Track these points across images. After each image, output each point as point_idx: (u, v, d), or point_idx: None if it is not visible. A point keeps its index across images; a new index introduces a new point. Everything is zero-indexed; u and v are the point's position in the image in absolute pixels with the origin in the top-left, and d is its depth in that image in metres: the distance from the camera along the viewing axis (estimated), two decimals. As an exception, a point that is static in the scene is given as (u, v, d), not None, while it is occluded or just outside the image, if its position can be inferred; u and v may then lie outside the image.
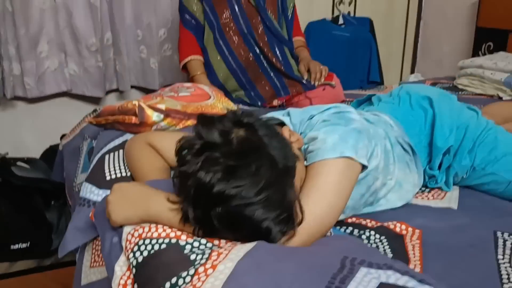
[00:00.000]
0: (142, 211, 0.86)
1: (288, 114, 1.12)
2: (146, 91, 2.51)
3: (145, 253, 0.80)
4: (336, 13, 2.92)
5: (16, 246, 2.01)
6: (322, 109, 1.05)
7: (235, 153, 0.77)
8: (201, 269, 0.71)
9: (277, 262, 0.71)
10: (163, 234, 0.83)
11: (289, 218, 0.78)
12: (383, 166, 1.07)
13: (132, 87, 2.46)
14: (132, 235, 0.85)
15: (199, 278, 0.70)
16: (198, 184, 0.76)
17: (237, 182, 0.74)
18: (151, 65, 2.40)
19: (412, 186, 1.18)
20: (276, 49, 2.03)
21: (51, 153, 2.23)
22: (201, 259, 0.74)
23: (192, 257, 0.75)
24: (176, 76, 2.50)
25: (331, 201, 0.88)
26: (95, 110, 1.83)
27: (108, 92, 2.40)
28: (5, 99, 2.16)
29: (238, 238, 0.80)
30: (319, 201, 0.87)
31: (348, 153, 0.91)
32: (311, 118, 1.05)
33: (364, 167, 0.97)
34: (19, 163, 2.12)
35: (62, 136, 2.21)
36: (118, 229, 0.90)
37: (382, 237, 0.99)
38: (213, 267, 0.71)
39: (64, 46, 2.21)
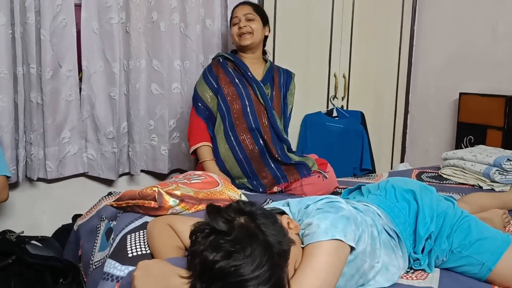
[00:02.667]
0: (164, 287, 1.01)
1: (288, 205, 1.30)
2: (155, 175, 2.69)
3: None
4: (330, 106, 3.14)
5: (23, 323, 2.06)
6: (316, 199, 1.24)
7: (234, 238, 0.94)
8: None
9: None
10: (182, 305, 0.97)
11: None
12: (370, 250, 1.22)
13: (142, 171, 2.64)
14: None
15: None
16: (203, 261, 0.93)
17: (233, 262, 0.91)
18: (161, 151, 2.60)
19: (397, 269, 1.32)
20: (277, 145, 2.20)
21: (63, 232, 2.36)
22: None
23: None
24: (183, 161, 2.69)
25: (324, 277, 1.04)
26: (110, 193, 1.99)
27: (120, 175, 2.59)
28: (25, 180, 2.34)
29: None
30: (314, 277, 1.03)
31: (338, 236, 1.08)
32: (307, 207, 1.22)
33: (352, 249, 1.13)
34: (33, 241, 2.22)
35: (74, 216, 2.36)
36: (142, 301, 1.04)
37: (371, 312, 1.13)
38: None
39: (85, 133, 2.43)
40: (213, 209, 1.01)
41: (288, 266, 1.00)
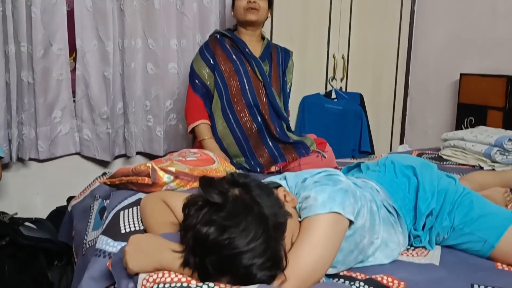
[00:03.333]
0: (156, 261, 0.97)
1: (285, 178, 1.26)
2: (151, 157, 2.65)
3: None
4: (329, 88, 3.10)
5: (17, 305, 2.04)
6: (314, 173, 1.20)
7: (228, 210, 0.91)
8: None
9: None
10: (175, 279, 0.94)
11: (273, 266, 0.90)
12: (369, 226, 1.19)
13: (137, 153, 2.61)
14: (147, 281, 0.95)
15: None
16: (196, 235, 0.90)
17: (228, 235, 0.87)
18: (157, 133, 2.56)
19: (397, 245, 1.29)
20: (275, 122, 2.16)
21: (57, 214, 2.33)
22: None
23: None
24: (180, 143, 2.65)
25: (321, 251, 1.00)
26: (104, 173, 1.96)
27: (116, 157, 2.55)
28: (18, 161, 2.30)
29: (229, 282, 0.91)
30: (310, 251, 0.99)
31: (336, 209, 1.04)
32: (304, 181, 1.18)
33: (351, 223, 1.10)
34: (26, 223, 2.19)
35: (69, 198, 2.32)
36: (133, 276, 1.00)
37: (371, 288, 1.10)
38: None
39: (81, 113, 2.38)
40: (206, 181, 0.98)
41: (285, 239, 0.97)
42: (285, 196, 1.08)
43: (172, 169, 1.43)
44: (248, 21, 2.18)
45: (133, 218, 1.30)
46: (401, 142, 3.48)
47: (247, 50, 2.19)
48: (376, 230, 1.23)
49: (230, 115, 2.12)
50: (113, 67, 2.37)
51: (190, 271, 0.93)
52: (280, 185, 1.21)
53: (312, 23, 2.99)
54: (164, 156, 2.63)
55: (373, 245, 1.23)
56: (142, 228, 1.27)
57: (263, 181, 1.14)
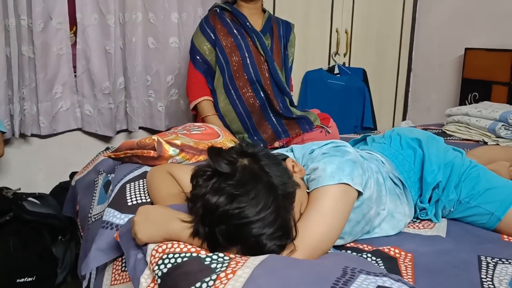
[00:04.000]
0: (164, 231, 0.97)
1: (292, 150, 1.26)
2: (153, 132, 2.64)
3: (169, 265, 0.91)
4: (332, 63, 3.07)
5: (22, 280, 2.04)
6: (321, 144, 1.19)
7: (238, 179, 0.90)
8: (222, 275, 0.82)
9: (287, 269, 0.82)
10: (185, 249, 0.94)
11: (282, 235, 0.90)
12: (376, 197, 1.19)
13: (139, 128, 2.59)
14: (157, 251, 0.95)
15: (221, 282, 0.80)
16: (206, 205, 0.89)
17: (237, 204, 0.87)
18: (158, 108, 2.54)
19: (403, 216, 1.29)
20: (278, 97, 2.14)
21: (60, 190, 2.33)
22: (221, 267, 0.85)
23: (213, 265, 0.86)
24: (181, 119, 2.64)
25: (330, 221, 1.00)
26: (107, 148, 1.95)
27: (117, 132, 2.53)
28: (20, 137, 2.28)
29: (239, 252, 0.91)
30: (319, 221, 0.99)
31: (345, 180, 1.04)
32: (312, 152, 1.18)
33: (359, 194, 1.09)
34: (30, 198, 2.19)
35: (71, 174, 2.32)
36: (142, 247, 1.00)
37: (378, 259, 1.10)
38: (233, 272, 0.82)
39: (81, 88, 2.36)
40: (214, 151, 0.97)
41: (294, 209, 0.96)
42: (293, 166, 1.07)
43: (178, 142, 1.42)
44: None
45: (139, 191, 1.30)
46: (404, 118, 3.47)
47: (247, 24, 2.15)
48: (383, 201, 1.23)
49: (232, 91, 2.10)
50: (115, 41, 2.34)
51: (199, 241, 0.93)
52: (287, 157, 1.20)
53: (315, -3, 2.95)
54: (167, 130, 2.64)
55: (380, 215, 1.23)
56: (148, 200, 1.26)
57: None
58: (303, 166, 1.16)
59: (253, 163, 0.94)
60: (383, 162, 1.35)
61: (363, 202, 1.14)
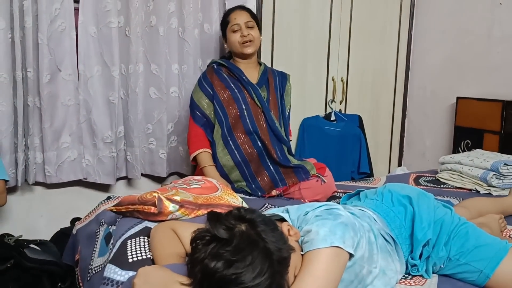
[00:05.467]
0: None
1: (287, 211, 1.31)
2: (153, 178, 2.69)
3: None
4: (328, 110, 3.16)
5: (21, 328, 2.05)
6: (315, 206, 1.25)
7: (235, 246, 0.95)
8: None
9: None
10: (184, 312, 0.98)
11: None
12: (367, 256, 1.23)
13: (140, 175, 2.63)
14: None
15: None
16: (204, 269, 0.94)
17: (234, 270, 0.92)
18: (160, 155, 2.60)
19: (395, 273, 1.33)
20: (276, 146, 2.21)
21: (61, 236, 2.36)
22: None
23: None
24: (181, 165, 2.70)
25: (323, 284, 1.04)
26: (109, 197, 2.00)
27: (118, 179, 2.58)
28: (24, 185, 2.33)
29: None
30: (313, 284, 1.03)
31: (337, 243, 1.09)
32: (306, 214, 1.23)
33: (351, 255, 1.14)
34: (31, 245, 2.22)
35: (73, 220, 2.35)
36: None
37: (370, 318, 1.14)
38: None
39: (82, 138, 2.42)
40: (213, 216, 1.02)
41: (288, 273, 1.01)
42: (289, 230, 1.12)
43: (177, 198, 1.48)
44: (246, 54, 2.26)
45: (140, 247, 1.34)
46: (399, 164, 3.52)
47: (244, 77, 2.25)
48: (374, 259, 1.27)
49: (230, 142, 2.17)
50: (118, 91, 2.42)
51: None
52: (282, 218, 1.25)
53: (312, 47, 3.06)
54: (166, 178, 2.69)
55: (372, 273, 1.26)
56: (149, 256, 1.30)
57: (265, 213, 1.19)
58: (298, 227, 1.21)
59: (250, 229, 0.99)
60: (375, 219, 1.40)
61: (355, 262, 1.18)
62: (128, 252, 1.33)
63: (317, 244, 1.09)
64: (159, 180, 2.70)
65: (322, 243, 1.08)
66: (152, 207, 1.44)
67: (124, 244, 1.38)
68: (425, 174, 2.64)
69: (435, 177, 2.56)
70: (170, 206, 1.44)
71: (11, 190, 2.33)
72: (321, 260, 1.07)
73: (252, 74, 2.31)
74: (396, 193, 1.51)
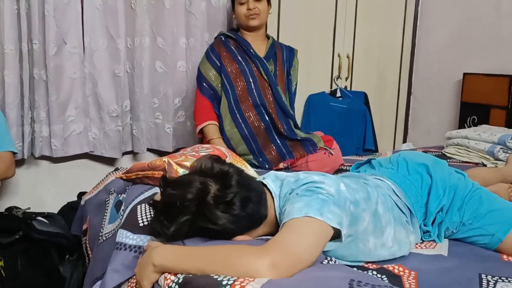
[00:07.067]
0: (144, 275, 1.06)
1: (281, 186, 1.24)
2: (159, 153, 2.69)
3: (181, 280, 0.96)
4: (334, 87, 3.14)
5: (30, 300, 2.07)
6: (300, 184, 1.18)
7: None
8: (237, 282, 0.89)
9: (295, 285, 0.86)
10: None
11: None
12: (372, 228, 1.21)
13: (147, 150, 2.64)
14: (169, 274, 1.02)
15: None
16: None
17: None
18: (166, 130, 2.59)
19: (409, 244, 1.31)
20: (282, 120, 2.21)
21: (68, 209, 2.37)
22: (229, 280, 0.91)
23: (220, 278, 0.92)
24: (188, 140, 2.69)
25: (296, 236, 1.02)
26: (117, 169, 2.00)
27: (123, 154, 2.58)
28: (30, 158, 2.33)
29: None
30: (287, 235, 1.02)
31: (311, 214, 1.04)
32: (291, 193, 1.18)
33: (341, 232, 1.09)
34: (39, 217, 2.23)
35: (79, 194, 2.36)
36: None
37: (383, 276, 1.14)
38: (242, 287, 0.87)
39: (88, 111, 2.42)
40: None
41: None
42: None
43: (187, 163, 1.47)
44: (251, 26, 2.25)
45: (150, 211, 1.34)
46: (404, 140, 3.52)
47: (251, 50, 2.24)
48: (384, 231, 1.24)
49: (237, 115, 2.17)
50: (123, 64, 2.40)
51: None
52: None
53: (318, 23, 3.03)
54: (172, 152, 2.68)
55: (385, 246, 1.24)
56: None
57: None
58: (283, 207, 1.16)
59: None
60: (393, 190, 1.38)
61: (357, 237, 1.17)
62: (138, 217, 1.34)
63: (292, 215, 1.06)
64: (165, 154, 2.69)
65: (297, 213, 1.05)
66: (162, 172, 1.44)
67: (134, 209, 1.38)
68: (431, 149, 2.65)
69: (441, 152, 2.56)
70: (180, 171, 1.44)
71: (18, 163, 2.33)
72: (295, 225, 1.04)
73: (259, 47, 2.30)
74: (411, 161, 1.50)
